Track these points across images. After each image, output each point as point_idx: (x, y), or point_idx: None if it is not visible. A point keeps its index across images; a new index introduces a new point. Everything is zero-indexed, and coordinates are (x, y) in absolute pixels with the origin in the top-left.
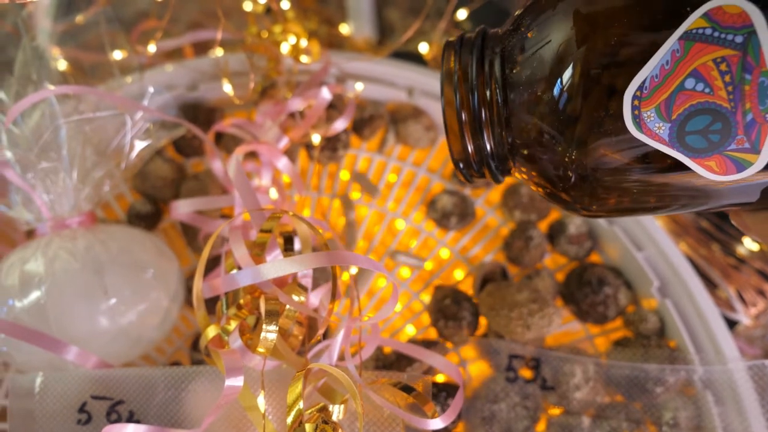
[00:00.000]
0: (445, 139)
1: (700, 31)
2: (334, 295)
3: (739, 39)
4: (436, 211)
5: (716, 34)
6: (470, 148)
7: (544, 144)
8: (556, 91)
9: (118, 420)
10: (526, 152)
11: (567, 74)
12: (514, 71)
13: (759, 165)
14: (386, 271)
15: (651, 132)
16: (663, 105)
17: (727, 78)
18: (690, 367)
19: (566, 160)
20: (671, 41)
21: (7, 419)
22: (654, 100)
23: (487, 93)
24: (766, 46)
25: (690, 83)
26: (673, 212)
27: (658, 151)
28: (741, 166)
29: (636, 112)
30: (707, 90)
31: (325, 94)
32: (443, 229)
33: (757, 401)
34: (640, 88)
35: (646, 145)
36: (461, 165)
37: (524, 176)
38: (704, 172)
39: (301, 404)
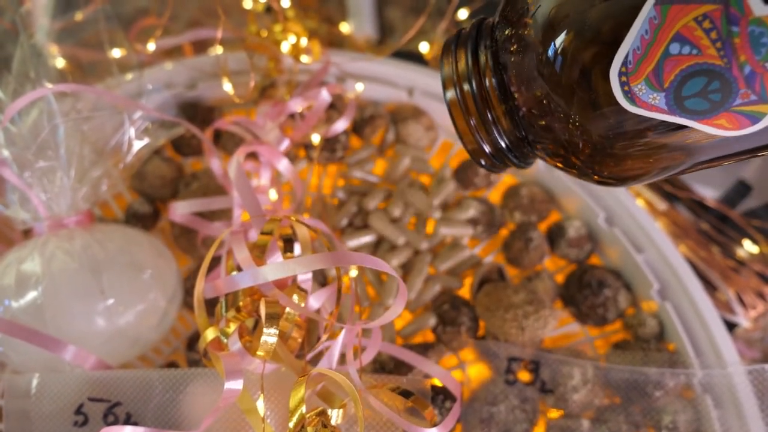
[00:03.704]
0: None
1: None
2: (339, 298)
3: None
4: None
5: None
6: (486, 147)
7: (549, 114)
8: (551, 56)
9: (115, 422)
10: (536, 127)
11: (559, 40)
12: (507, 53)
13: None
14: (392, 270)
15: (647, 104)
16: (652, 75)
17: (713, 35)
18: (689, 370)
19: (571, 127)
20: (646, 9)
21: (2, 420)
22: (641, 73)
23: (485, 82)
24: None
25: (675, 48)
26: (701, 167)
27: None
28: (755, 118)
29: (626, 88)
30: (695, 51)
31: (325, 96)
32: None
33: (757, 405)
34: (624, 63)
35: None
36: (482, 161)
37: (541, 154)
38: (715, 131)
39: (303, 408)
